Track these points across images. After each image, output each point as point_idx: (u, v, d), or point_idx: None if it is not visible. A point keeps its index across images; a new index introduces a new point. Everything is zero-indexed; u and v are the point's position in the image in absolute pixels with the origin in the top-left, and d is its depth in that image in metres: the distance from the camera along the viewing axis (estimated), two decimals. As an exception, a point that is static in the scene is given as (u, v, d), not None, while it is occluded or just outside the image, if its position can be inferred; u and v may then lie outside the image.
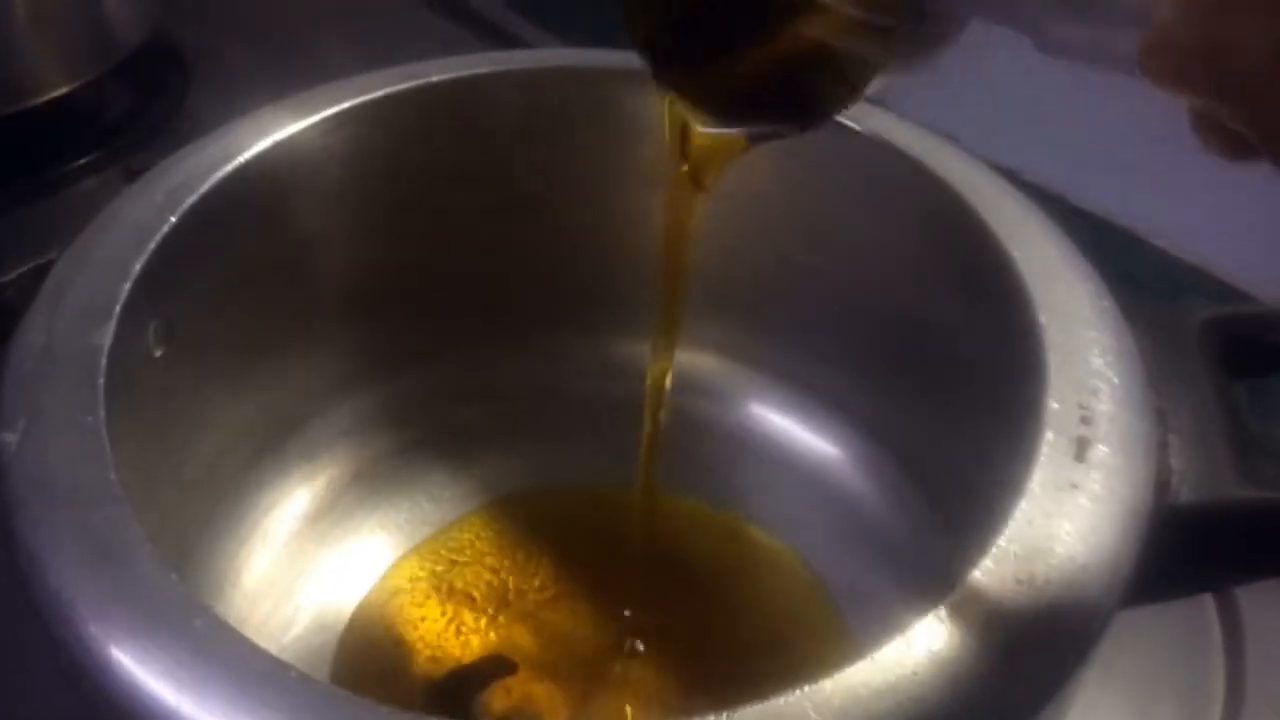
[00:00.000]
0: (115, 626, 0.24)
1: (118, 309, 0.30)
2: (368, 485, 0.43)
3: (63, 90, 0.60)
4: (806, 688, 0.23)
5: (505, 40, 0.66)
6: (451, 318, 0.43)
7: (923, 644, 0.23)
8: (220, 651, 0.23)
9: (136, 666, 0.23)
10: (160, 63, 0.66)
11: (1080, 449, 0.27)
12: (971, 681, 0.23)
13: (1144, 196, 0.59)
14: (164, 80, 0.66)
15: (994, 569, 0.25)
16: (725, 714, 0.22)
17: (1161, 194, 0.58)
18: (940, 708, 0.23)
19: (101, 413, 0.27)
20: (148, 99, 0.64)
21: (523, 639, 0.40)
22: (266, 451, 0.41)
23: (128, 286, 0.30)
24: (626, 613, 0.40)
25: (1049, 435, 0.27)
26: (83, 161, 0.61)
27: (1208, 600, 0.42)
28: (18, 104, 0.58)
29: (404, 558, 0.42)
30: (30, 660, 0.37)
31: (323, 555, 0.41)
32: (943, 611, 0.24)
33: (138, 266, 0.31)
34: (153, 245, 0.31)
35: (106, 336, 0.29)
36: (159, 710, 0.23)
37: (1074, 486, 0.26)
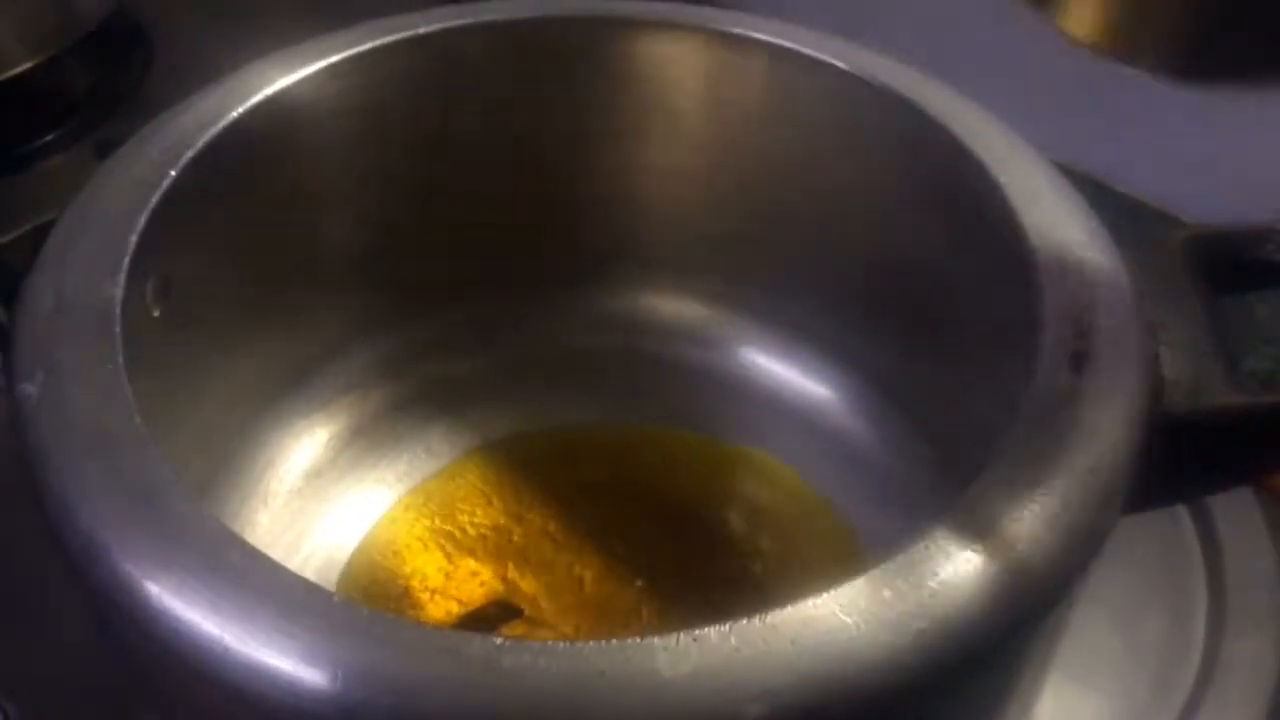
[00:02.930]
0: (153, 565, 0.24)
1: (126, 262, 0.30)
2: (367, 440, 0.43)
3: (25, 66, 0.60)
4: (833, 590, 0.23)
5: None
6: (442, 273, 0.44)
7: (940, 546, 0.24)
8: (259, 581, 0.24)
9: (177, 602, 0.23)
10: (121, 37, 0.66)
11: (1078, 361, 0.28)
12: (990, 579, 0.24)
13: (1105, 141, 0.60)
14: (125, 54, 0.66)
15: (1004, 474, 0.26)
16: (758, 617, 0.23)
17: (1121, 138, 0.60)
18: (960, 605, 0.24)
19: (120, 360, 0.27)
20: (110, 73, 0.64)
21: (527, 582, 0.40)
22: (266, 410, 0.41)
23: (134, 240, 0.30)
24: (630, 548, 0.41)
25: (1047, 350, 0.28)
26: (49, 137, 0.61)
27: (1186, 524, 0.44)
28: (-19, 81, 0.58)
29: (397, 506, 0.42)
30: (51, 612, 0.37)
31: (325, 510, 0.42)
32: (957, 515, 0.25)
33: (142, 221, 0.31)
34: (155, 200, 0.31)
35: (118, 288, 0.29)
36: (202, 644, 0.23)
37: (1074, 397, 0.27)
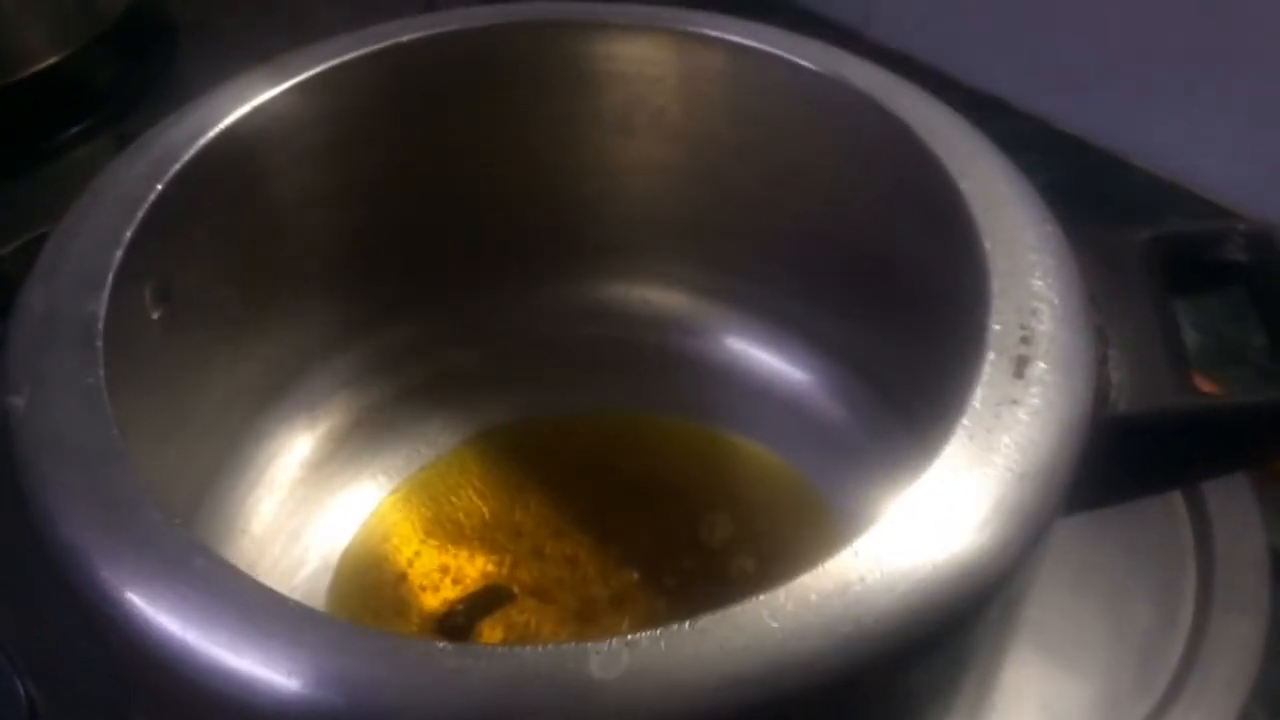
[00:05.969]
0: (124, 570, 0.25)
1: (110, 276, 0.31)
2: (366, 432, 0.45)
3: (51, 60, 0.61)
4: (762, 596, 0.24)
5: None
6: (436, 270, 0.45)
7: (867, 554, 0.25)
8: (220, 587, 0.25)
9: (145, 605, 0.25)
10: (146, 28, 0.67)
11: (1020, 367, 0.29)
12: (912, 586, 0.25)
13: (1125, 118, 0.60)
14: (150, 46, 0.67)
15: (935, 483, 0.27)
16: (688, 623, 0.24)
17: (1142, 114, 0.59)
18: (884, 609, 0.25)
19: (101, 374, 0.29)
20: (135, 65, 0.66)
21: (521, 567, 0.42)
22: (268, 405, 0.43)
23: (119, 254, 0.32)
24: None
25: (991, 355, 0.29)
26: (75, 130, 0.63)
27: (1179, 506, 0.44)
28: (8, 76, 0.60)
29: (396, 495, 0.44)
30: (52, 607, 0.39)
31: (327, 499, 0.43)
32: (883, 524, 0.26)
33: (128, 234, 0.32)
34: (141, 214, 0.33)
35: (101, 303, 0.30)
36: (168, 644, 0.25)
37: (1014, 402, 0.28)
